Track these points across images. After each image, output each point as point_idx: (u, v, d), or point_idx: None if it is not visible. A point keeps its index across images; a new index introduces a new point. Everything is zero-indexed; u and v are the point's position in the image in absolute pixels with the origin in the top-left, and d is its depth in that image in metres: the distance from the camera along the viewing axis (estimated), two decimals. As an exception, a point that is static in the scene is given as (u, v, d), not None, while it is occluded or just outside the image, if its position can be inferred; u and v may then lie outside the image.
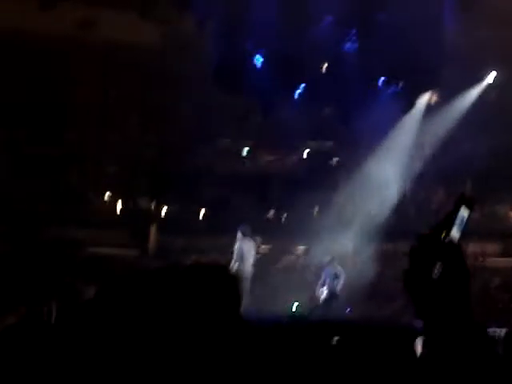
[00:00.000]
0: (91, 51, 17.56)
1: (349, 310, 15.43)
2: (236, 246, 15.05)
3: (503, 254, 16.62)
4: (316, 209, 19.07)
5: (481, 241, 16.14)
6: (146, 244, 18.54)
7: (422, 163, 17.66)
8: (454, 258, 1.42)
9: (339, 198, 19.14)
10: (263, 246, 18.59)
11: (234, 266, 14.85)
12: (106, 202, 18.94)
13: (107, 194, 19.04)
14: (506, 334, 4.01)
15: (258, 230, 18.07)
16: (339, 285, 15.33)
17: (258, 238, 16.31)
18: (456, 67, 15.99)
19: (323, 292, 15.32)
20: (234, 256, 14.99)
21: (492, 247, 16.77)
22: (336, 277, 15.37)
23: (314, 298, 15.72)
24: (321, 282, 15.50)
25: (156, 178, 18.94)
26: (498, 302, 15.20)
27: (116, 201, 18.91)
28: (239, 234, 15.11)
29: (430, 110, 18.21)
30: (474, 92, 18.35)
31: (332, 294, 15.31)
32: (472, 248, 16.63)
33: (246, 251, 15.01)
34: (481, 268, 16.25)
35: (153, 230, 18.66)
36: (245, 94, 17.04)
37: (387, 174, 17.53)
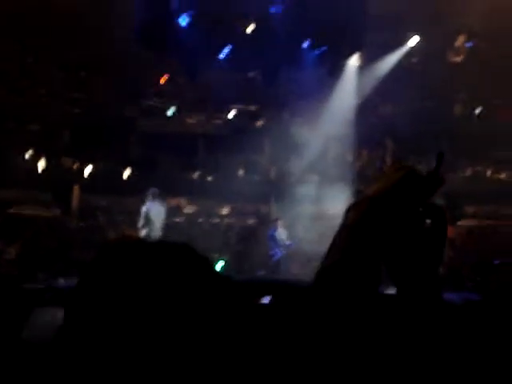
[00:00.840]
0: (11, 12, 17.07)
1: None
2: (143, 210, 14.74)
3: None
4: (241, 170, 19.24)
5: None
6: (69, 204, 18.36)
7: (345, 125, 17.92)
8: (440, 217, 1.34)
9: (263, 159, 19.35)
10: (188, 207, 18.69)
11: (141, 229, 14.66)
12: (28, 161, 18.62)
13: (29, 152, 18.71)
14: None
15: (184, 191, 18.16)
16: (284, 247, 15.56)
17: (183, 200, 16.36)
18: (379, 31, 16.20)
19: (273, 254, 15.55)
20: (141, 220, 14.70)
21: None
22: (279, 239, 15.61)
23: (239, 257, 15.94)
24: (269, 244, 15.68)
25: (79, 136, 18.69)
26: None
27: (38, 160, 18.61)
28: (148, 198, 14.80)
29: (353, 72, 18.44)
30: (396, 55, 18.66)
31: (277, 257, 15.53)
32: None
33: (154, 215, 14.70)
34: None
35: (76, 189, 18.48)
36: (170, 54, 16.90)
37: (311, 136, 17.77)
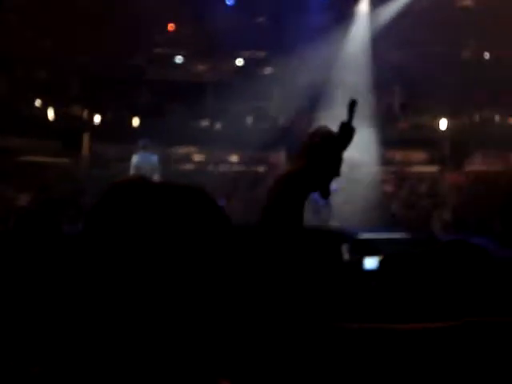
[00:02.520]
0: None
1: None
2: (133, 161, 13.85)
3: (428, 162, 17.17)
4: (250, 118, 19.24)
5: (407, 149, 16.69)
6: (79, 152, 18.43)
7: (355, 71, 17.82)
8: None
9: (272, 107, 19.33)
10: (197, 155, 18.76)
11: None
12: (37, 109, 18.66)
13: (38, 101, 18.74)
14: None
15: (192, 139, 18.20)
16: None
17: (192, 148, 16.30)
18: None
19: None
20: (131, 170, 13.66)
21: (418, 155, 17.30)
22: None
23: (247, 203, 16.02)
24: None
25: (88, 84, 18.68)
26: (422, 207, 15.82)
27: (48, 108, 18.65)
28: (138, 148, 13.86)
29: (364, 18, 18.28)
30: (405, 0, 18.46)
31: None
32: (399, 156, 17.19)
33: (145, 165, 13.58)
34: (407, 175, 16.88)
35: (85, 138, 18.54)
36: (176, 2, 16.82)
37: (320, 83, 17.70)
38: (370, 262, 5.20)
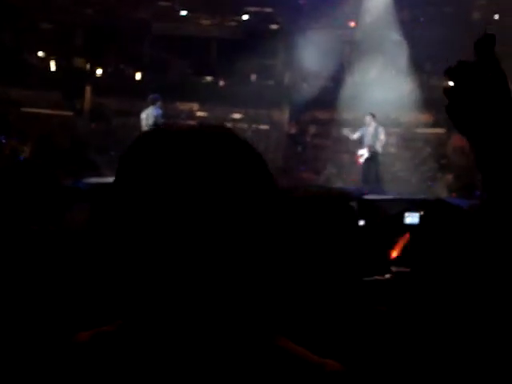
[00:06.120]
0: None
1: None
2: (142, 116, 13.91)
3: (434, 125, 17.01)
4: (254, 75, 19.03)
5: (415, 111, 16.53)
6: (81, 105, 18.32)
7: (362, 31, 17.53)
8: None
9: (277, 64, 19.10)
10: (200, 112, 18.61)
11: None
12: (40, 60, 18.47)
13: (41, 52, 18.55)
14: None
15: (196, 95, 18.02)
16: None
17: (195, 104, 16.12)
18: None
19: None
20: (142, 126, 13.72)
21: (424, 117, 17.12)
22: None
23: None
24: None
25: (92, 37, 18.45)
26: (427, 170, 15.72)
27: (50, 60, 18.47)
28: (148, 103, 13.97)
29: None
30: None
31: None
32: (407, 118, 17.02)
33: (154, 120, 13.53)
34: (414, 138, 16.76)
35: (88, 90, 18.40)
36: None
37: (327, 41, 17.44)
38: (411, 218, 5.22)
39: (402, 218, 5.39)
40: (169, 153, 0.97)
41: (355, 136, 13.71)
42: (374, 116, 13.62)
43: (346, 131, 13.64)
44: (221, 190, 0.96)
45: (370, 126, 13.53)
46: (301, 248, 1.70)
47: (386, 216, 5.96)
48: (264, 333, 1.03)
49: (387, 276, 1.61)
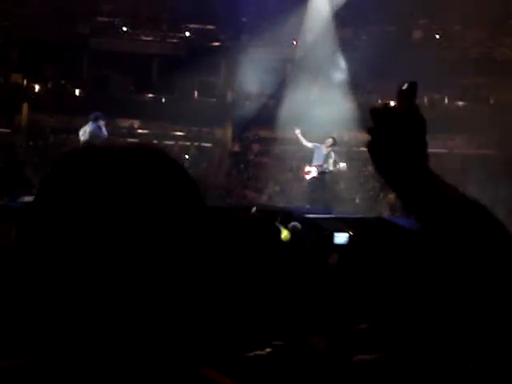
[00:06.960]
0: None
1: None
2: (82, 132, 12.97)
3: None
4: (196, 92, 18.87)
5: (355, 130, 16.56)
6: (18, 122, 17.93)
7: (303, 49, 17.54)
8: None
9: (220, 82, 18.97)
10: (141, 129, 18.37)
11: None
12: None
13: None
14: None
15: (137, 112, 17.76)
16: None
17: (136, 121, 15.87)
18: None
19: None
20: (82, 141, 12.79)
21: (365, 136, 17.18)
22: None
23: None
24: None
25: (29, 53, 18.04)
26: (370, 189, 15.75)
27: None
28: (89, 120, 12.95)
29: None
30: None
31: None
32: (348, 137, 17.05)
33: (94, 138, 12.40)
34: (356, 157, 16.78)
35: (25, 107, 18.00)
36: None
37: (268, 58, 17.39)
38: (340, 238, 5.18)
39: (331, 237, 5.35)
40: (85, 172, 0.93)
41: (307, 143, 13.47)
42: (334, 143, 13.35)
43: (297, 131, 13.38)
44: (137, 209, 0.91)
45: (326, 148, 13.28)
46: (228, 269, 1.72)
47: (317, 236, 5.91)
48: (189, 362, 0.98)
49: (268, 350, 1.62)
